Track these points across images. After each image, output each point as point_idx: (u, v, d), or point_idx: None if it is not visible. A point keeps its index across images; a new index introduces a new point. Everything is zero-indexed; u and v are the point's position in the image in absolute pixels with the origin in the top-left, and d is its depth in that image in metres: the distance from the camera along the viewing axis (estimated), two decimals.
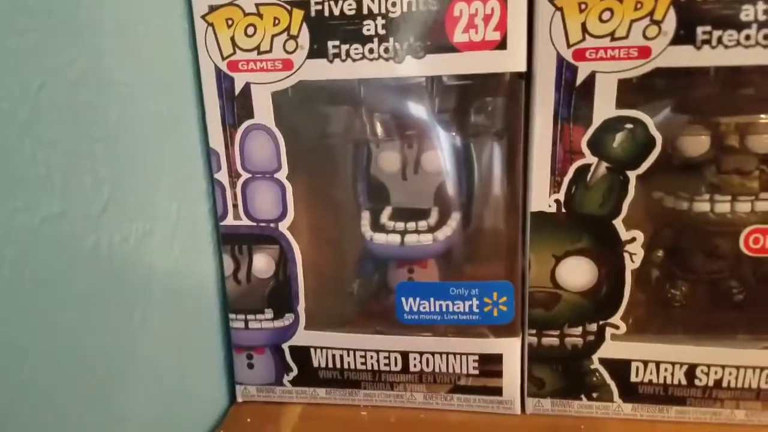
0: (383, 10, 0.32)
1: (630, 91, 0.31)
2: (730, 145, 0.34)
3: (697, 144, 0.34)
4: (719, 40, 0.29)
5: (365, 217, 0.38)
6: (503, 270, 0.36)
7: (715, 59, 0.30)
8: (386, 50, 0.32)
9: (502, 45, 0.31)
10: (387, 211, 0.39)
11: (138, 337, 0.31)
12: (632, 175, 0.32)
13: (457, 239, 0.37)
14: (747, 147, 0.34)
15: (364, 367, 0.38)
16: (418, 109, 0.37)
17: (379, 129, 0.38)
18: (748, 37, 0.29)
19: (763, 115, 0.34)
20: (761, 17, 0.29)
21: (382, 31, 0.32)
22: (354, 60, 0.32)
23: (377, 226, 0.38)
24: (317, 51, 0.32)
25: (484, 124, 0.36)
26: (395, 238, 0.37)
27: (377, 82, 0.35)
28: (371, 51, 0.32)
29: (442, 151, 0.37)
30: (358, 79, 0.35)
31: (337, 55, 0.32)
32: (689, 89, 0.34)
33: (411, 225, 0.37)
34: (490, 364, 0.36)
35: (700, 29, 0.29)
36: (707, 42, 0.29)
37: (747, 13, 0.29)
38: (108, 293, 0.28)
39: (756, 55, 0.29)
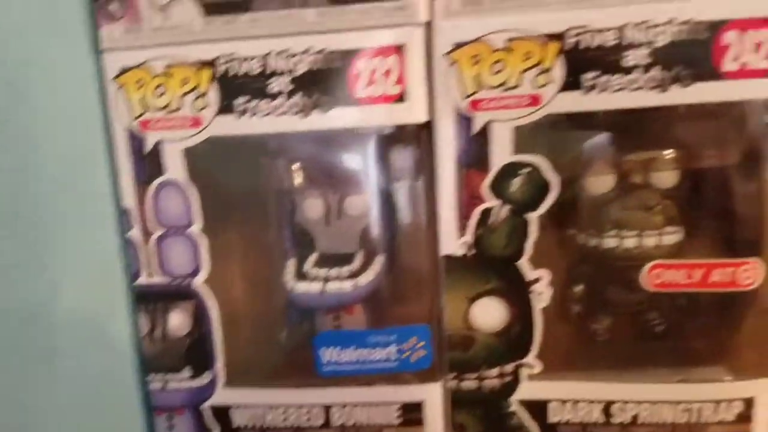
0: (288, 69, 0.33)
1: (528, 137, 0.33)
2: (633, 182, 0.36)
3: (601, 182, 0.36)
4: (605, 85, 0.32)
5: (290, 264, 0.39)
6: (427, 313, 0.36)
7: (602, 103, 0.32)
8: (293, 105, 0.33)
9: (401, 98, 0.33)
10: (312, 258, 0.39)
11: (50, 398, 0.30)
12: (533, 216, 0.33)
13: (381, 283, 0.38)
14: (650, 183, 0.36)
15: (286, 424, 0.37)
16: (339, 157, 0.38)
17: (298, 178, 0.39)
18: (633, 81, 0.31)
19: (664, 152, 0.36)
20: (644, 61, 0.31)
21: (288, 88, 0.33)
22: (262, 115, 0.33)
23: (300, 274, 0.38)
24: (226, 108, 0.33)
25: (402, 170, 0.37)
26: (316, 287, 0.37)
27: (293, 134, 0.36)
28: (278, 107, 0.33)
29: (365, 195, 0.38)
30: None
31: (244, 112, 0.33)
32: (590, 131, 0.36)
33: (333, 272, 0.38)
34: (413, 413, 0.36)
35: (586, 76, 0.32)
36: (593, 87, 0.32)
37: (630, 58, 0.31)
38: (17, 353, 0.28)
39: (641, 98, 0.31)
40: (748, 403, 0.34)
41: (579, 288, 0.38)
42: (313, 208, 0.39)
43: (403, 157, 0.37)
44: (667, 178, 0.36)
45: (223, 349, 0.36)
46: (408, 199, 0.37)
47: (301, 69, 0.33)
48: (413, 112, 0.33)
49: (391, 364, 0.36)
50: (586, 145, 0.37)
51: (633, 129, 0.36)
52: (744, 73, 0.30)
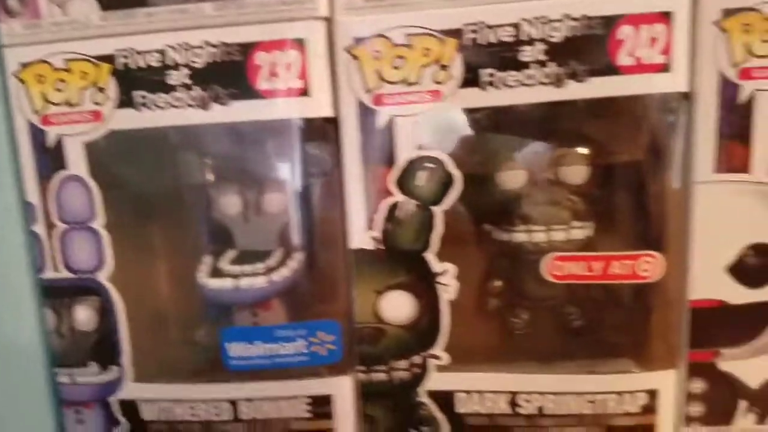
0: (186, 62, 0.33)
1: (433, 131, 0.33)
2: (544, 178, 0.36)
3: (514, 178, 0.36)
4: (503, 81, 0.32)
5: (206, 261, 0.38)
6: (342, 308, 0.36)
7: (500, 99, 0.32)
8: (193, 98, 0.33)
9: (305, 92, 0.33)
10: (229, 255, 0.39)
11: None
12: (437, 210, 0.34)
13: (299, 279, 0.38)
14: (560, 179, 0.36)
15: (194, 419, 0.37)
16: (255, 152, 0.38)
17: (210, 173, 0.39)
18: (530, 77, 0.32)
19: (575, 148, 0.36)
20: (540, 57, 0.31)
21: (187, 81, 0.33)
22: (161, 108, 0.33)
23: (215, 271, 0.38)
24: (125, 101, 0.33)
25: (316, 165, 0.37)
26: (229, 283, 0.37)
27: (206, 127, 0.36)
28: (177, 100, 0.33)
29: (283, 192, 0.38)
30: (179, 126, 0.35)
31: (144, 105, 0.33)
32: (503, 126, 0.36)
33: (248, 268, 0.38)
34: (322, 406, 0.36)
35: (483, 71, 0.32)
36: (491, 84, 0.32)
37: (527, 54, 0.31)
38: None
39: (538, 93, 0.32)
40: (652, 394, 0.35)
41: (497, 283, 0.39)
42: (229, 204, 0.39)
43: (315, 153, 0.37)
44: (576, 174, 0.36)
45: (132, 344, 0.36)
46: (323, 195, 0.37)
47: (200, 62, 0.33)
48: (318, 107, 0.33)
49: (300, 359, 0.36)
50: (498, 141, 0.37)
51: (544, 126, 0.36)
52: (639, 68, 0.31)
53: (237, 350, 0.36)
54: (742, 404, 0.35)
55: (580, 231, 0.36)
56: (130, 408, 0.37)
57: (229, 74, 0.33)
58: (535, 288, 0.37)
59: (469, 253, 0.38)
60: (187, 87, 0.33)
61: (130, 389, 0.36)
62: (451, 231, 0.35)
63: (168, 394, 0.36)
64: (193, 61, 0.32)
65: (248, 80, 0.32)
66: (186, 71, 0.33)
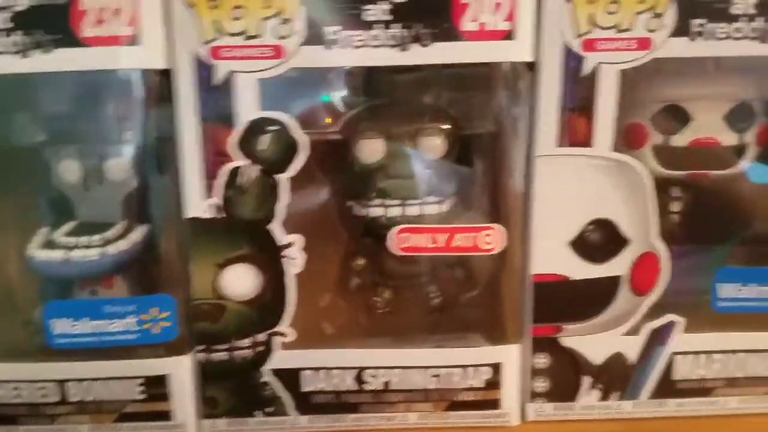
0: (6, 5, 0.29)
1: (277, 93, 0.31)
2: (401, 151, 0.35)
3: (371, 151, 0.35)
4: (348, 41, 0.30)
5: (41, 233, 0.35)
6: (179, 283, 0.34)
7: (344, 59, 0.31)
8: (11, 44, 0.30)
9: (134, 41, 0.30)
10: (67, 227, 0.35)
11: None
12: (283, 178, 0.32)
13: (139, 253, 0.35)
14: (416, 151, 0.35)
15: (20, 401, 0.34)
16: (94, 111, 0.34)
17: (43, 134, 0.35)
18: (375, 38, 0.30)
19: (431, 121, 0.35)
20: (384, 17, 0.30)
21: (6, 25, 0.29)
22: None
23: (48, 243, 0.34)
24: None
25: (157, 128, 0.34)
26: (59, 255, 0.34)
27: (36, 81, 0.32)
28: None
29: (126, 157, 0.35)
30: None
31: None
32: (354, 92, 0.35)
33: (83, 239, 0.34)
34: (157, 387, 0.34)
35: (328, 29, 0.30)
36: (335, 42, 0.30)
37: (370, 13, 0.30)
38: None
39: (382, 56, 0.30)
40: (496, 368, 0.34)
41: (360, 261, 0.37)
42: (68, 171, 0.35)
43: (157, 113, 0.34)
44: (433, 147, 0.35)
45: None
46: (165, 161, 0.34)
47: (21, 5, 0.29)
48: (148, 57, 0.30)
49: (130, 336, 0.33)
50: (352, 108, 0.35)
51: (400, 97, 0.35)
52: (482, 35, 0.30)
53: (62, 327, 0.33)
54: (586, 380, 0.35)
55: (434, 206, 0.35)
56: None
57: (51, 18, 0.29)
58: (396, 266, 0.36)
59: (328, 229, 0.36)
60: (7, 32, 0.30)
61: None
62: (305, 203, 0.34)
63: None
64: (14, 4, 0.29)
65: (71, 25, 0.29)
66: (5, 14, 0.29)
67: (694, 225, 0.37)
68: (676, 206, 0.37)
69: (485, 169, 0.35)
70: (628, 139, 0.36)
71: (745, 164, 0.35)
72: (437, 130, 0.35)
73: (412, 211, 0.34)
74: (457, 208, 0.35)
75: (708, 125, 0.35)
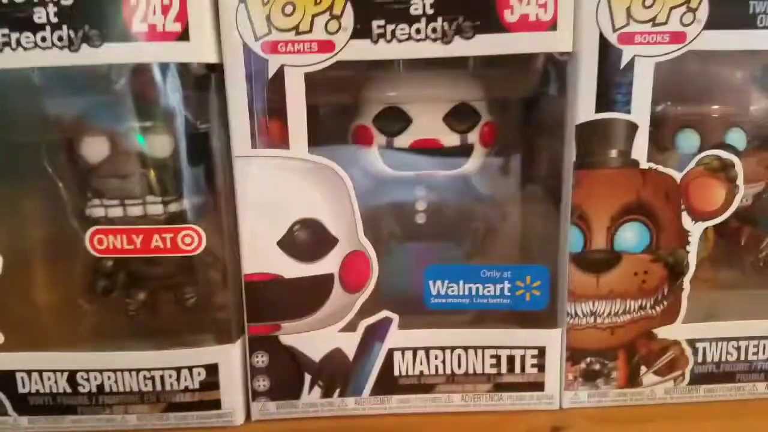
0: None
1: None
2: (125, 148, 0.34)
3: (95, 147, 0.35)
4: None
5: None
6: None
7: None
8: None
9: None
10: None
11: None
12: None
13: None
14: (141, 152, 0.35)
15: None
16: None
17: None
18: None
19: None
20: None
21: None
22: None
23: None
24: None
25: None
26: None
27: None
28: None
29: None
30: None
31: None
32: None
33: None
34: None
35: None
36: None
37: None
38: None
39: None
40: (214, 369, 0.34)
41: (109, 263, 0.37)
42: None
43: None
44: (160, 146, 0.35)
45: None
46: None
47: None
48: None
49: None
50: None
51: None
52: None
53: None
54: (307, 378, 0.35)
55: (159, 206, 0.35)
56: None
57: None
58: (145, 268, 0.36)
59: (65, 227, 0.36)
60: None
61: None
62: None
63: None
64: None
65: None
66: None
67: (436, 223, 0.38)
68: (420, 205, 0.38)
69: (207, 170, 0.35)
70: (356, 140, 0.36)
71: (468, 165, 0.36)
72: (163, 128, 0.35)
73: (135, 211, 0.34)
74: (196, 209, 0.36)
75: (428, 127, 0.35)
